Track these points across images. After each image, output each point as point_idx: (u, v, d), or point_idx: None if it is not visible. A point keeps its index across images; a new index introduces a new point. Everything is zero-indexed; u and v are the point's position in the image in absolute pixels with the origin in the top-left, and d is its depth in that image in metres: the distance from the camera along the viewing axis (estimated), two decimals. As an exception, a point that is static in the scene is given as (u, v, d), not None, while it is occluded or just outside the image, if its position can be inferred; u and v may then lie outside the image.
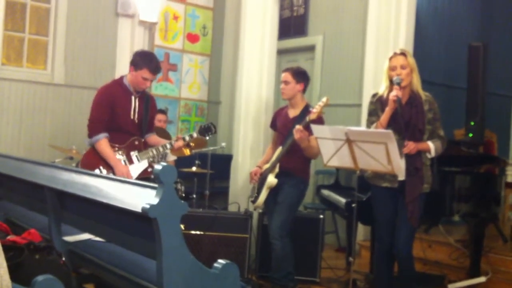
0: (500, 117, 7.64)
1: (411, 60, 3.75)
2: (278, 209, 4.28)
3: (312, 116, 4.07)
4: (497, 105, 7.43)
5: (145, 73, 3.99)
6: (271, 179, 4.29)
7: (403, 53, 3.75)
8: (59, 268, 2.38)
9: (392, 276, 3.97)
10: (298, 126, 4.06)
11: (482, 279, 4.63)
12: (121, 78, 4.16)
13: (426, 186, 3.75)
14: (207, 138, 4.46)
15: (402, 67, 3.71)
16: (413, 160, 3.64)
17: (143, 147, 4.14)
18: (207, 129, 4.26)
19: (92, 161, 3.98)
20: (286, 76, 4.36)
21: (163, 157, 4.22)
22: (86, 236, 2.86)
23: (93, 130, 3.99)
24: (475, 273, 4.68)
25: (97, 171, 3.92)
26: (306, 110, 4.29)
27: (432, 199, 3.98)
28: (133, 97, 4.09)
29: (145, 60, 4.00)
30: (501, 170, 6.27)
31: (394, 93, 3.61)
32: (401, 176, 3.67)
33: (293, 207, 4.35)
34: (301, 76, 4.39)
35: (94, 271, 2.75)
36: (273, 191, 4.32)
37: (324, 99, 4.11)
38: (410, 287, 3.85)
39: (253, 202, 4.46)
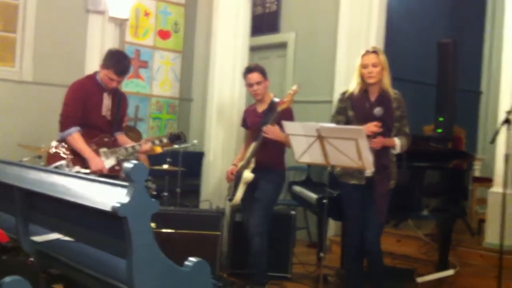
0: (469, 113, 7.78)
1: (383, 58, 3.80)
2: (257, 206, 4.28)
3: (283, 105, 4.12)
4: (466, 101, 7.55)
5: (110, 73, 3.98)
6: (247, 174, 4.29)
7: (375, 51, 3.80)
8: (27, 269, 2.36)
9: (362, 271, 4.02)
10: (265, 128, 4.11)
11: (450, 272, 4.71)
12: (95, 74, 4.14)
13: (392, 182, 3.82)
14: (176, 146, 4.51)
15: (374, 65, 3.76)
16: (380, 158, 3.70)
17: (113, 144, 4.11)
18: (177, 137, 4.31)
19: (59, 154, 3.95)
20: (258, 76, 4.34)
21: (133, 154, 4.20)
22: (55, 236, 2.83)
23: (65, 124, 3.97)
24: (444, 267, 4.76)
25: (64, 162, 3.88)
26: (273, 103, 4.33)
27: (402, 194, 4.04)
28: (105, 94, 4.07)
29: (112, 61, 3.99)
30: (469, 165, 6.39)
31: (372, 128, 3.65)
32: (370, 172, 3.72)
33: (271, 202, 4.38)
34: (266, 72, 4.42)
35: (63, 271, 2.72)
36: (250, 187, 4.32)
37: (294, 87, 4.15)
38: (380, 282, 3.90)
39: (230, 200, 4.45)
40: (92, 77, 4.13)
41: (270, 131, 4.11)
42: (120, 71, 4.00)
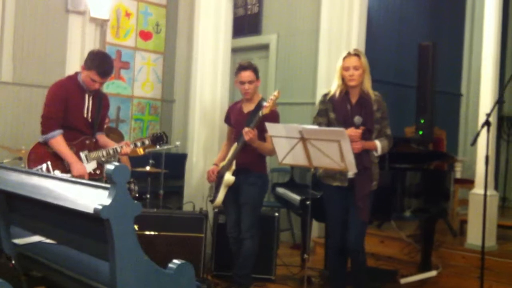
0: (449, 115, 7.86)
1: (364, 61, 3.80)
2: (244, 210, 4.25)
3: (265, 110, 4.04)
4: (446, 103, 7.64)
5: (93, 74, 3.90)
6: (228, 177, 4.25)
7: (357, 54, 3.80)
8: (8, 272, 2.32)
9: (345, 272, 4.03)
10: (246, 129, 4.06)
11: (433, 273, 4.75)
12: (76, 74, 4.06)
13: (374, 183, 3.82)
14: (158, 147, 4.45)
15: (355, 68, 3.76)
16: (361, 160, 3.70)
17: (94, 147, 4.06)
18: (159, 138, 4.27)
19: (40, 156, 3.89)
20: (251, 75, 4.26)
21: (114, 156, 4.14)
22: (36, 238, 2.79)
23: (47, 126, 3.89)
24: (426, 268, 4.81)
25: (44, 166, 3.83)
26: (260, 104, 4.26)
27: (384, 195, 4.06)
28: (86, 95, 4.00)
29: (95, 62, 3.91)
30: (450, 166, 6.46)
31: (351, 132, 3.62)
32: (352, 174, 3.72)
33: (258, 204, 4.34)
34: (258, 72, 4.36)
35: (45, 274, 2.69)
36: (232, 189, 4.28)
37: (275, 93, 4.09)
38: (363, 283, 3.91)
39: (212, 201, 4.42)
40: (73, 78, 4.06)
41: (247, 133, 4.06)
42: (103, 72, 3.93)
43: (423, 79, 6.36)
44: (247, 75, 4.27)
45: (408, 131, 6.75)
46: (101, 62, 3.93)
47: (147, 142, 4.21)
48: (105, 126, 4.50)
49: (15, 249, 2.73)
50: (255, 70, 4.31)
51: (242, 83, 4.29)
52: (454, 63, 8.01)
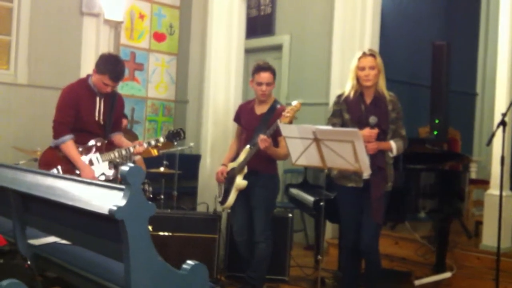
0: (464, 115, 7.80)
1: (380, 61, 3.79)
2: (257, 214, 4.22)
3: (284, 120, 3.89)
4: (460, 103, 7.58)
5: (105, 79, 3.90)
6: (240, 181, 4.21)
7: (372, 54, 3.79)
8: (23, 272, 2.34)
9: (359, 273, 4.01)
10: (262, 136, 3.99)
11: (448, 274, 4.71)
12: (87, 77, 4.07)
13: (389, 184, 3.80)
14: (175, 143, 4.43)
15: (371, 68, 3.74)
16: (376, 160, 3.68)
17: (106, 148, 4.06)
18: (176, 135, 4.22)
19: (51, 160, 3.92)
20: (269, 77, 4.19)
21: (128, 157, 4.14)
22: (51, 239, 2.81)
23: (58, 131, 3.91)
24: (441, 269, 4.77)
25: (54, 171, 3.85)
26: (274, 107, 4.22)
27: (398, 196, 4.04)
28: (98, 98, 4.01)
29: (107, 66, 3.90)
30: (465, 167, 6.40)
31: (366, 133, 3.61)
32: (367, 174, 3.70)
33: (270, 207, 4.33)
34: (276, 74, 4.29)
35: (60, 275, 2.70)
36: (242, 192, 4.25)
37: (296, 104, 3.90)
38: (377, 284, 3.89)
39: (222, 203, 4.40)
40: (83, 81, 4.06)
41: (263, 142, 3.98)
42: (115, 77, 3.93)
43: (437, 79, 6.32)
44: (266, 76, 4.19)
45: (422, 131, 6.71)
46: (113, 67, 3.93)
47: (162, 140, 4.17)
48: (123, 126, 4.50)
49: (31, 250, 2.75)
50: (273, 72, 4.24)
51: (260, 84, 4.20)
52: (468, 62, 7.95)
